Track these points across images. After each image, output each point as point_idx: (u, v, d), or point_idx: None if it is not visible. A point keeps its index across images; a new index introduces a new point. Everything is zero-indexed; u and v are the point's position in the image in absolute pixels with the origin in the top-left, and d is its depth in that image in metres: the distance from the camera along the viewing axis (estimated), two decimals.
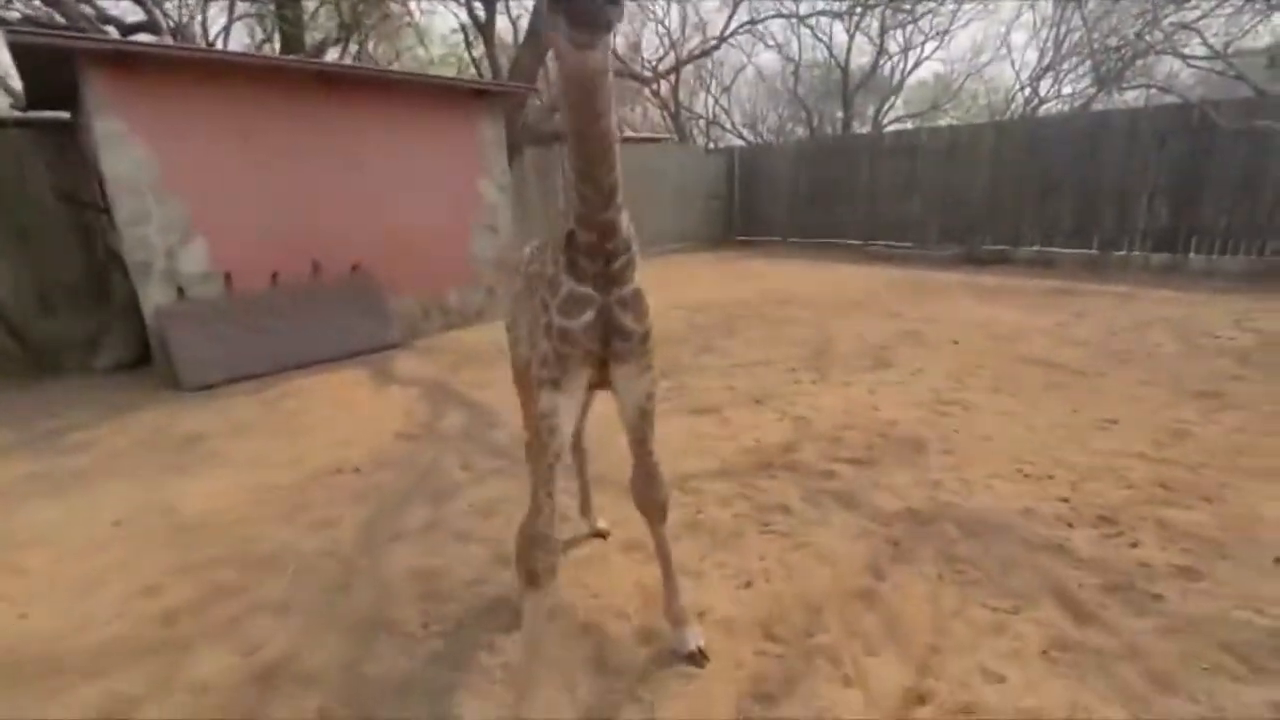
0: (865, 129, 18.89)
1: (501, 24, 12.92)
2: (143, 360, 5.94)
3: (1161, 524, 2.62)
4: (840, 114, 18.75)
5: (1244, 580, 2.25)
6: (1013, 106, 16.60)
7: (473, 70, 14.69)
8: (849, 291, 8.11)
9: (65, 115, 6.70)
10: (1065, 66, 15.19)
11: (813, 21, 15.81)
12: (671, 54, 16.93)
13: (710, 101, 20.89)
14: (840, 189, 12.46)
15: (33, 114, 6.98)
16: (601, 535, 2.75)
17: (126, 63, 4.98)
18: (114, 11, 9.68)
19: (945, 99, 19.73)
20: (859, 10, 14.94)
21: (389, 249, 6.45)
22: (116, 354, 6.16)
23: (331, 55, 11.75)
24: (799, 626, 2.10)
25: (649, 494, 2.02)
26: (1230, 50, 8.82)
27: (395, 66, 14.76)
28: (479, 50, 13.28)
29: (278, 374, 5.44)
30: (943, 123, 19.45)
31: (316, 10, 10.95)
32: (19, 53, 4.84)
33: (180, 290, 5.40)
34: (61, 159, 6.65)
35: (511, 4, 13.65)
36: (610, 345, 1.65)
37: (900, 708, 1.76)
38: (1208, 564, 2.34)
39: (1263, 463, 3.10)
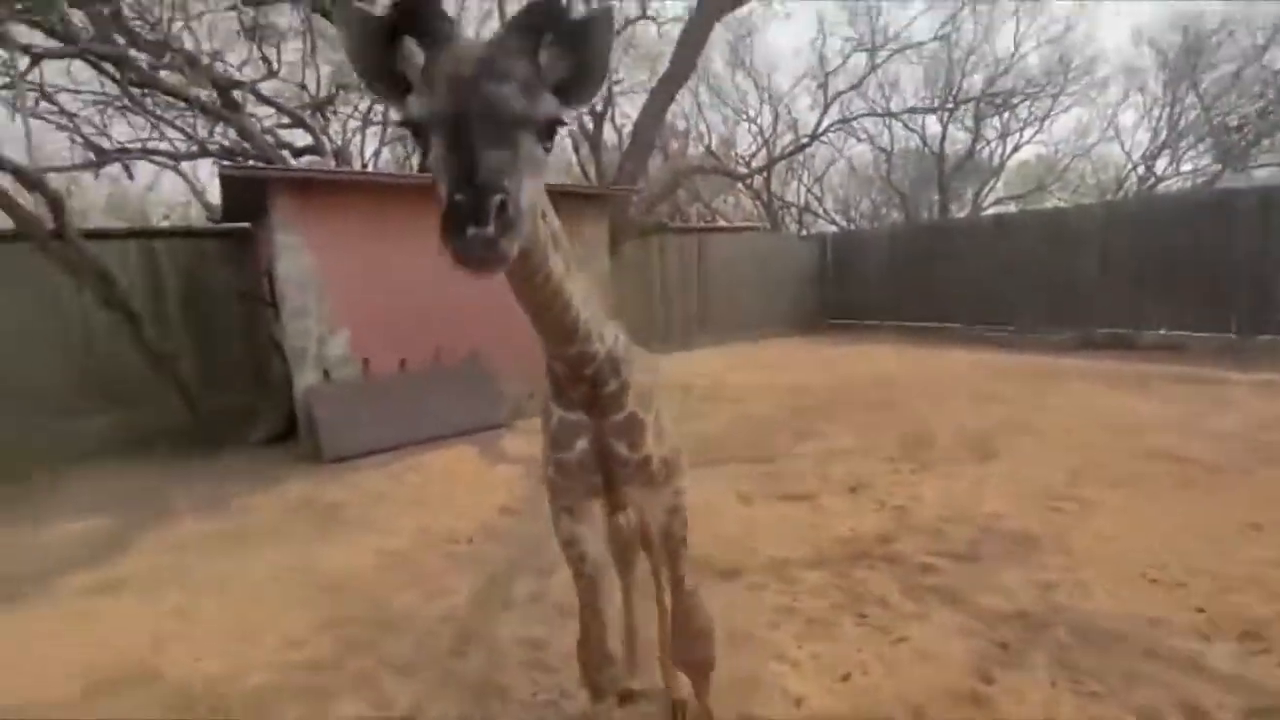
0: (964, 212, 18.65)
1: (607, 130, 14.23)
2: (289, 434, 6.73)
3: None
4: (936, 198, 18.68)
5: None
6: (1126, 186, 15.89)
7: (578, 171, 16.10)
8: (950, 377, 7.88)
9: (246, 225, 8.03)
10: (1183, 145, 14.50)
11: (905, 115, 16.19)
12: (764, 150, 17.76)
13: (802, 190, 21.47)
14: (938, 272, 12.29)
15: (222, 225, 8.43)
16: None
17: (303, 185, 6.02)
18: (287, 137, 11.67)
19: (1050, 180, 19.21)
20: (948, 106, 15.20)
21: (500, 337, 7.06)
22: (268, 428, 7.01)
23: None
24: None
25: (689, 647, 1.78)
26: None
27: None
28: (585, 152, 14.59)
29: (401, 449, 5.99)
30: (1049, 204, 18.88)
31: None
32: (225, 181, 5.99)
33: (326, 373, 6.18)
34: (239, 262, 7.97)
35: (616, 114, 15.04)
36: (611, 473, 1.55)
37: None
38: None
39: None
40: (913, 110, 15.89)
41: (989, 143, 17.72)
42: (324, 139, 10.89)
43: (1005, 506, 3.80)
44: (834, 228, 20.51)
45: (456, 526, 4.06)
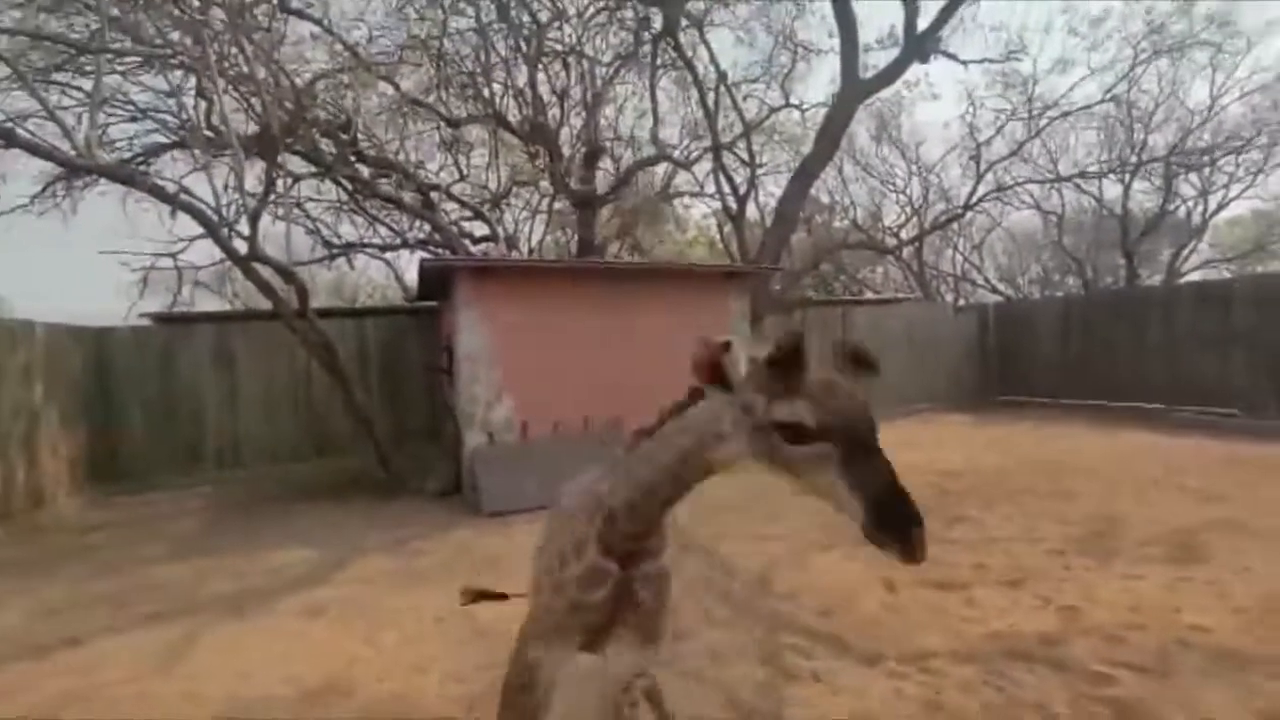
0: (1158, 277, 16.56)
1: (750, 208, 14.76)
2: (456, 489, 7.52)
3: None
4: (1121, 263, 16.78)
5: None
6: None
7: (721, 247, 16.71)
8: (1142, 464, 6.91)
9: (433, 305, 9.34)
10: None
11: (1077, 179, 15.05)
12: (914, 220, 17.28)
13: (958, 258, 20.38)
14: (1125, 346, 10.95)
15: (415, 304, 9.90)
16: None
17: (480, 271, 6.99)
18: (469, 227, 13.52)
19: (1272, 238, 16.54)
20: (1128, 168, 13.92)
21: (644, 406, 7.44)
22: (441, 482, 7.88)
23: (613, 247, 14.51)
24: None
25: None
26: None
27: (657, 249, 17.51)
28: (729, 228, 15.19)
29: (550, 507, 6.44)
30: (1273, 265, 16.21)
31: (609, 219, 13.84)
32: (422, 268, 7.13)
33: (490, 435, 6.90)
34: (425, 336, 9.26)
35: (760, 194, 15.58)
36: (617, 615, 1.56)
37: None
38: None
39: None
40: (1084, 175, 14.71)
41: (1185, 201, 15.76)
42: (499, 229, 12.46)
43: (1210, 619, 3.28)
44: (997, 297, 19.08)
45: None
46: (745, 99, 12.59)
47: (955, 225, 18.73)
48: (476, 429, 6.86)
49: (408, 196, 11.16)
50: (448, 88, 10.96)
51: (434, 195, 11.84)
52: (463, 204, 13.14)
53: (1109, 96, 13.89)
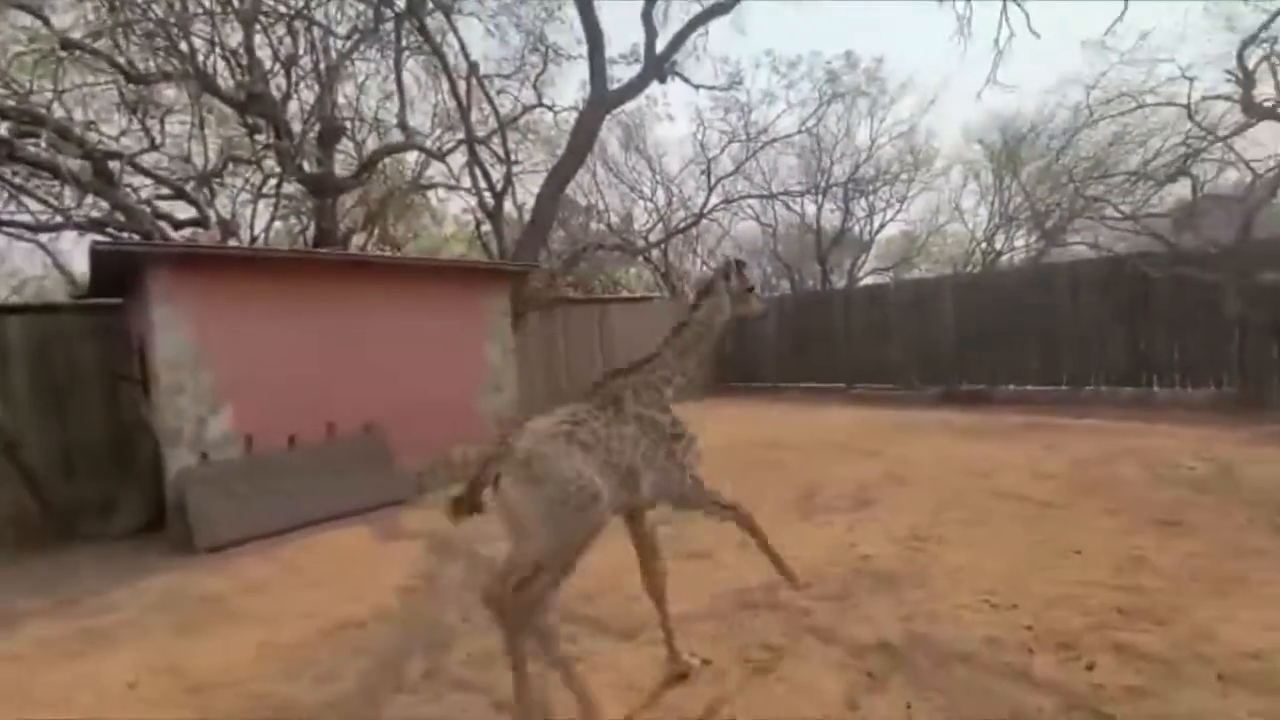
0: (843, 282, 20.46)
1: (508, 206, 14.65)
2: (155, 524, 6.18)
3: (1117, 647, 2.80)
4: (818, 269, 20.37)
5: (1191, 697, 2.41)
6: (972, 259, 18.13)
7: (481, 244, 16.32)
8: (835, 434, 8.51)
9: (116, 300, 7.53)
10: (1013, 225, 16.89)
11: (784, 197, 17.86)
12: (661, 226, 18.83)
13: (698, 262, 22.76)
14: (822, 337, 13.37)
15: (87, 300, 7.85)
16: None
17: (185, 261, 5.83)
18: (168, 209, 11.14)
19: (913, 253, 21.55)
20: (819, 190, 17.04)
21: (400, 410, 6.96)
22: (129, 518, 6.40)
23: (358, 238, 13.21)
24: None
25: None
26: (1142, 213, 10.01)
27: (412, 244, 16.43)
28: (487, 226, 14.89)
29: (291, 531, 5.66)
30: (915, 273, 21.05)
31: (352, 207, 12.54)
32: (96, 256, 5.69)
33: (204, 455, 5.81)
34: (106, 338, 7.40)
35: (518, 190, 15.53)
36: None
37: None
38: (1158, 683, 2.51)
39: (1213, 586, 3.31)
40: (788, 193, 17.58)
41: (859, 220, 19.77)
42: (210, 211, 10.50)
43: (875, 549, 4.17)
44: None
45: (348, 611, 3.89)
46: (499, 94, 12.44)
47: (694, 231, 20.89)
48: (184, 448, 5.72)
49: (71, 163, 8.78)
50: (127, 34, 8.90)
51: (113, 165, 9.51)
52: (158, 179, 10.80)
53: (803, 129, 16.80)
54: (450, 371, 7.57)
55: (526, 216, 11.88)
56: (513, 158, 12.12)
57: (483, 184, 11.62)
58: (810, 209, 18.69)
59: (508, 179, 11.70)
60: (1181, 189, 9.85)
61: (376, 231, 13.63)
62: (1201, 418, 7.79)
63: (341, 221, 12.09)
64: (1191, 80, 9.55)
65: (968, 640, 2.94)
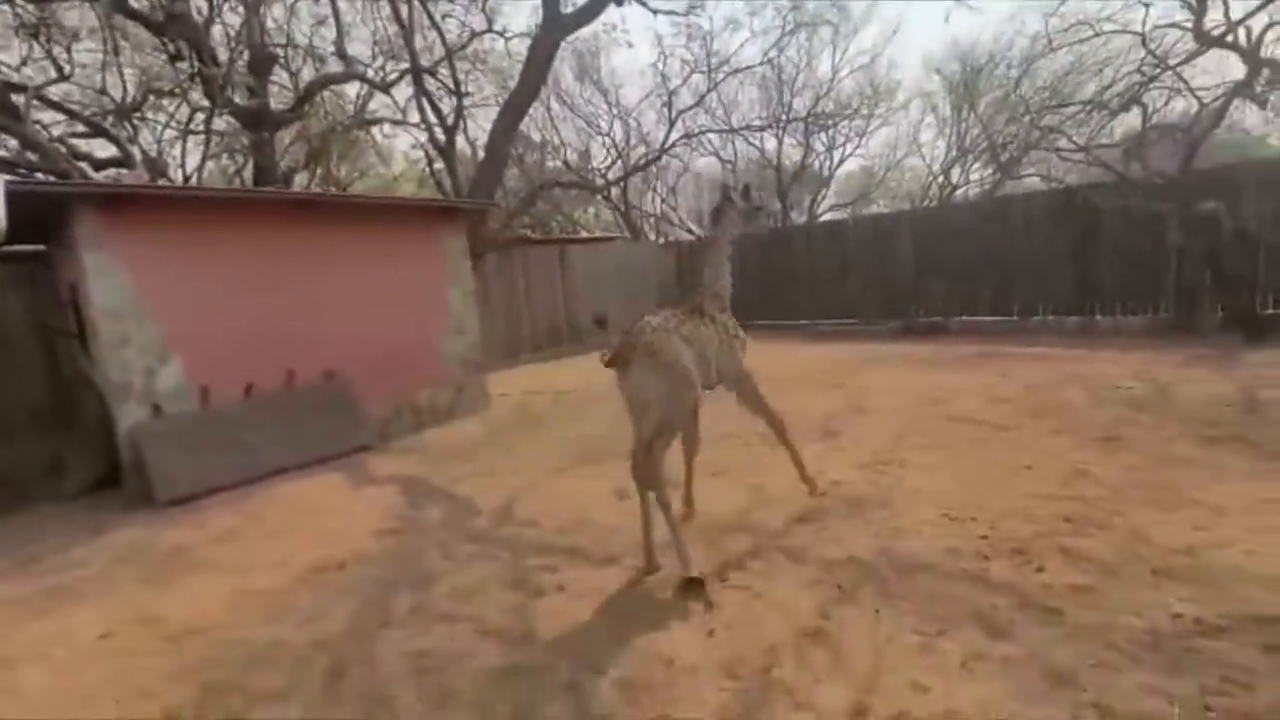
0: (803, 218, 20.47)
1: (460, 142, 14.01)
2: (111, 481, 5.97)
3: (1064, 551, 3.02)
4: (778, 206, 20.31)
5: (1129, 591, 2.64)
6: (930, 193, 18.33)
7: (434, 184, 15.66)
8: (798, 368, 8.69)
9: (40, 248, 7.00)
10: (970, 158, 17.04)
11: (744, 131, 17.53)
12: (620, 163, 18.34)
13: (658, 200, 22.39)
14: (783, 274, 13.45)
15: (4, 248, 7.27)
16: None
17: (115, 202, 5.42)
18: (85, 148, 10.26)
19: (872, 189, 21.63)
20: (780, 124, 16.74)
21: (361, 356, 6.78)
22: (81, 477, 6.17)
23: (301, 178, 12.49)
24: (758, 665, 2.38)
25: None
26: (1094, 144, 10.21)
27: (358, 184, 15.65)
28: (439, 164, 14.26)
29: (255, 483, 5.56)
30: (874, 209, 21.20)
31: (291, 144, 11.77)
32: (14, 198, 5.24)
33: (156, 408, 5.58)
34: (32, 289, 6.90)
35: (470, 126, 14.82)
36: None
37: None
38: (1100, 580, 2.74)
39: (1149, 493, 3.58)
40: (749, 127, 17.26)
41: (819, 156, 19.64)
42: (133, 150, 9.73)
43: (843, 475, 4.34)
44: (690, 236, 21.61)
45: (325, 554, 3.88)
46: (444, 18, 11.65)
47: (654, 168, 20.44)
48: (133, 402, 5.47)
49: None
50: None
51: (17, 100, 8.65)
52: (71, 114, 9.90)
53: (765, 60, 16.37)
54: (412, 315, 7.38)
55: (480, 153, 11.41)
56: (463, 89, 11.50)
57: (432, 118, 11.06)
58: (771, 144, 18.43)
59: (458, 112, 11.14)
60: (1133, 119, 10.04)
61: (320, 171, 12.90)
62: (1140, 343, 8.22)
63: (281, 160, 11.38)
64: (1147, 6, 9.60)
65: (930, 552, 3.13)
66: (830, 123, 17.55)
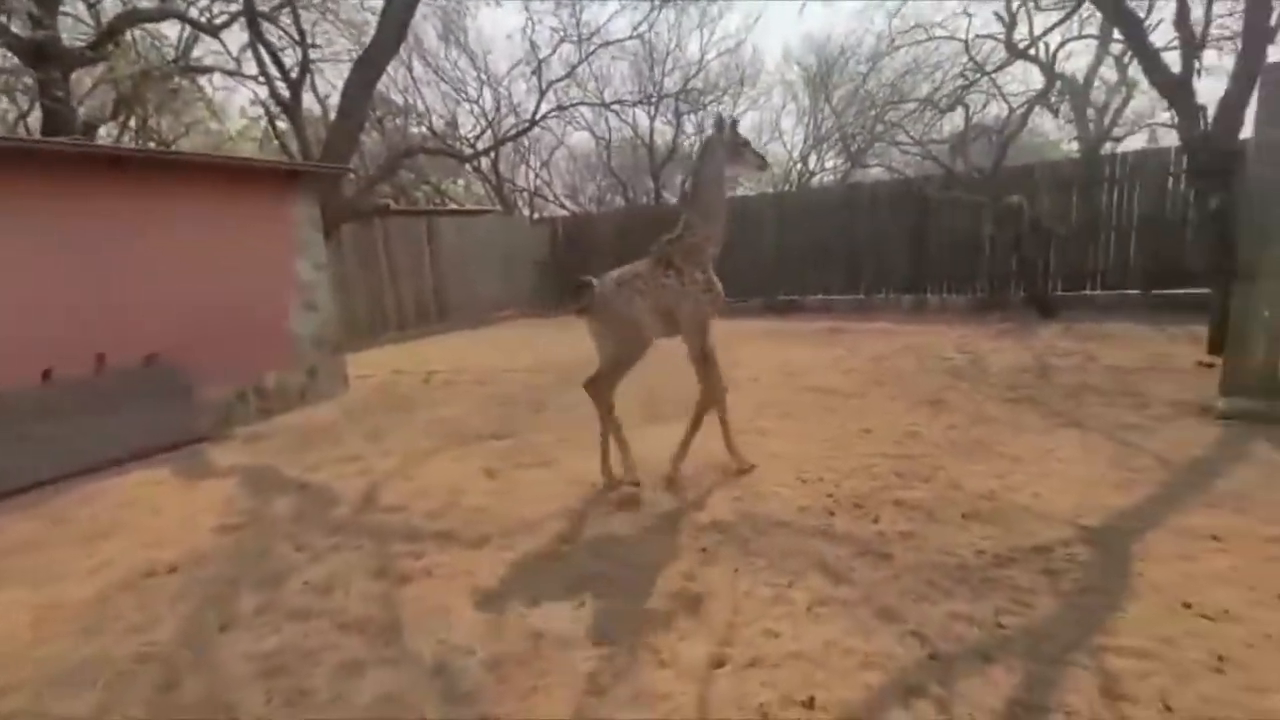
0: (675, 199, 20.91)
1: (309, 100, 12.76)
2: None
3: (896, 502, 3.40)
4: (651, 185, 20.60)
5: (943, 532, 3.03)
6: (791, 178, 19.47)
7: (279, 145, 14.14)
8: (665, 344, 8.94)
9: None
10: (825, 147, 18.28)
11: (616, 106, 17.51)
12: (490, 132, 17.64)
13: (531, 175, 21.85)
14: None
15: None
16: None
17: None
18: None
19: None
20: (651, 100, 16.92)
21: (195, 336, 6.04)
22: None
23: (109, 130, 10.76)
24: (626, 629, 2.47)
25: None
26: (927, 139, 11.39)
27: (185, 142, 13.80)
28: (284, 123, 12.89)
29: (60, 481, 4.81)
30: (740, 191, 22.11)
31: (93, 88, 10.05)
32: None
33: None
34: None
35: (319, 82, 13.51)
36: None
37: (705, 672, 2.18)
38: (922, 526, 3.12)
39: (963, 449, 4.12)
40: (621, 102, 17.28)
41: (690, 137, 20.11)
42: None
43: (709, 444, 4.55)
44: (564, 212, 21.36)
45: (153, 557, 3.46)
46: None
47: (526, 141, 19.89)
48: None
49: None
50: None
51: None
52: None
53: (635, 34, 16.36)
54: (254, 290, 6.66)
55: (331, 113, 10.46)
56: (309, 40, 10.42)
57: (273, 70, 9.92)
58: (643, 122, 18.57)
59: (304, 66, 10.11)
60: (959, 118, 11.28)
61: (133, 122, 11.19)
62: (962, 318, 9.37)
63: (80, 106, 9.71)
64: (970, 17, 10.77)
65: (785, 511, 3.39)
66: (700, 104, 17.98)
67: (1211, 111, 6.15)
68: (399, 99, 17.66)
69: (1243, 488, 3.33)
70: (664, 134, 19.13)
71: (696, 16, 16.89)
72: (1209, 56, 8.76)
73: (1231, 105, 5.91)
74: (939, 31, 11.72)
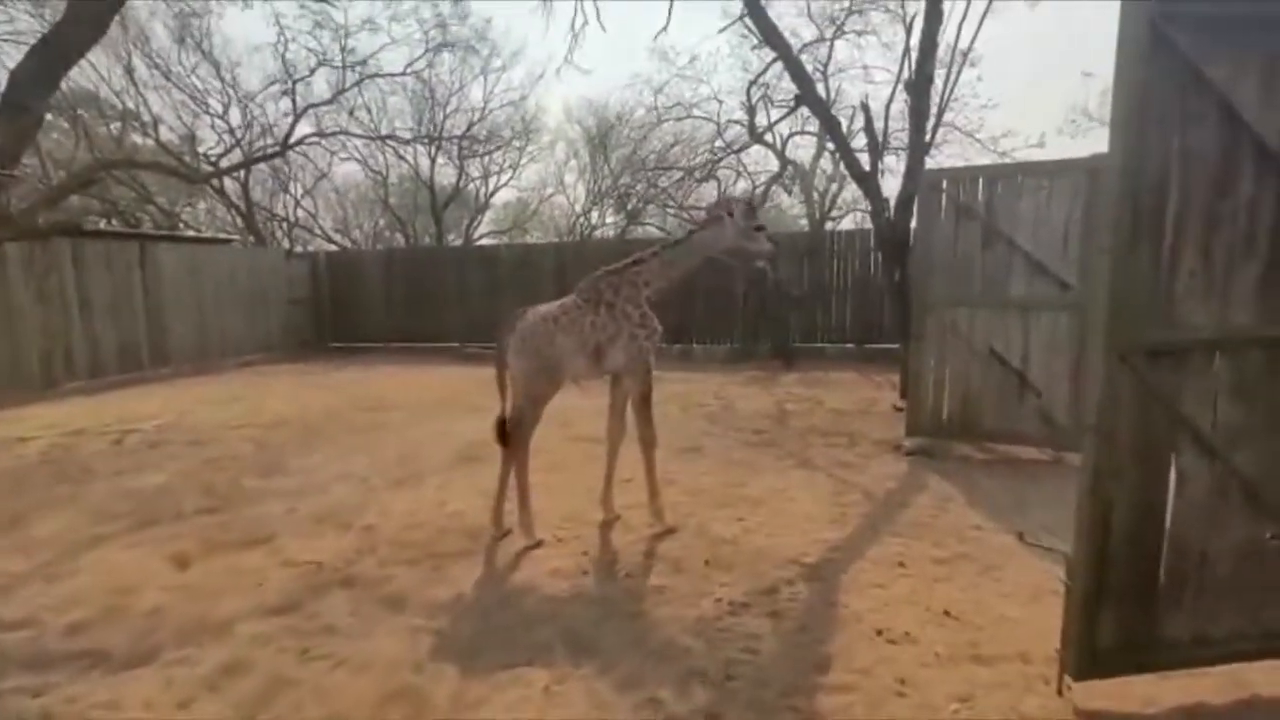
0: (459, 240, 20.28)
1: None
2: None
3: (647, 555, 3.42)
4: (434, 227, 19.72)
5: (689, 584, 3.09)
6: (575, 230, 20.09)
7: None
8: (441, 392, 8.41)
9: None
10: (605, 202, 19.25)
11: (393, 142, 16.62)
12: (237, 151, 15.47)
13: (292, 204, 19.59)
14: (436, 295, 13.06)
15: None
16: None
17: None
18: None
19: (525, 219, 22.71)
20: (433, 140, 16.38)
21: None
22: None
23: None
24: None
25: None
26: (688, 205, 12.61)
27: None
28: None
29: None
30: (528, 239, 22.23)
31: None
32: None
33: None
34: None
35: None
36: None
37: None
38: (670, 578, 3.15)
39: (714, 497, 4.36)
40: (394, 137, 16.45)
41: (474, 181, 19.80)
42: None
43: (464, 504, 4.23)
44: (332, 246, 19.47)
45: None
46: None
47: (287, 169, 17.89)
48: None
49: None
50: None
51: None
52: None
53: (409, 71, 15.67)
54: None
55: None
56: None
57: None
58: (425, 162, 17.82)
59: None
60: (713, 188, 12.68)
61: None
62: (721, 367, 10.27)
63: None
64: (721, 103, 12.28)
65: (536, 576, 3.20)
66: (483, 149, 17.84)
67: (893, 202, 7.64)
68: (116, 103, 14.76)
69: (920, 515, 3.95)
70: (447, 175, 18.56)
71: (478, 65, 16.81)
72: (890, 160, 11.04)
73: (904, 199, 7.40)
74: (697, 112, 13.21)
